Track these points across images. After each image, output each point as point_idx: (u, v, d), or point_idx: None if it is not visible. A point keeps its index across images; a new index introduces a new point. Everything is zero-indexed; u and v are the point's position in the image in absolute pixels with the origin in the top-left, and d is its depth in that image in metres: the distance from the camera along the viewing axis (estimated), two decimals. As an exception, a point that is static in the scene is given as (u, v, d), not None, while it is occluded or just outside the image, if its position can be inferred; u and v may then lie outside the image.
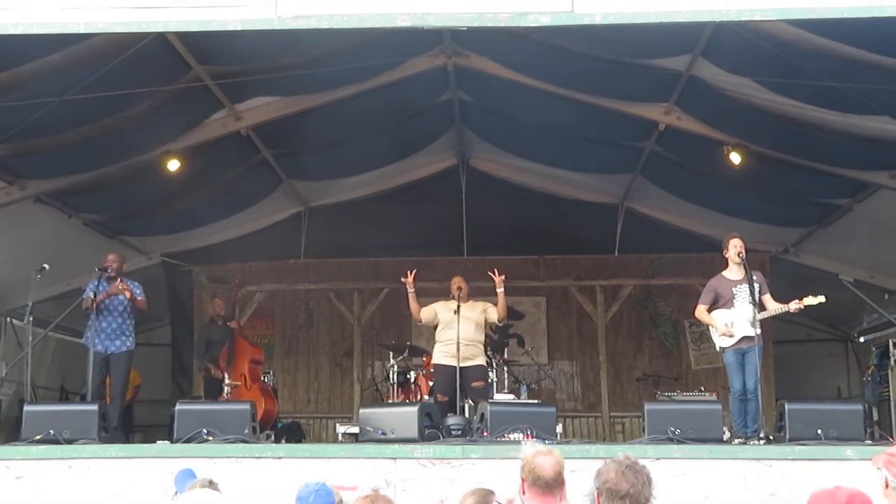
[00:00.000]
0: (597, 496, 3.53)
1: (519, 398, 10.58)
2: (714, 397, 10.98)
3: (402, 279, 9.71)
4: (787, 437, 7.23)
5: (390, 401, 10.95)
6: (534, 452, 3.93)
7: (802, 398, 8.99)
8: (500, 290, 9.62)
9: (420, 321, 10.01)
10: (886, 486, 3.80)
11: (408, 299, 9.84)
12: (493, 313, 9.76)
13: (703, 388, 12.31)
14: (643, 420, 7.54)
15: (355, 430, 9.30)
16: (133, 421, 12.41)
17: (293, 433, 12.15)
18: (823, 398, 13.06)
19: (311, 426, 13.89)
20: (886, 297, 12.35)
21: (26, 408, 7.80)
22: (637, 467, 3.56)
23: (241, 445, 7.23)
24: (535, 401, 10.68)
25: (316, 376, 14.58)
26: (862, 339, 14.86)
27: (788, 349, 14.13)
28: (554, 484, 3.85)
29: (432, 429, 7.71)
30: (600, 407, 14.09)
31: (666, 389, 12.50)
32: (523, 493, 3.90)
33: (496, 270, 9.64)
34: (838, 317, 14.51)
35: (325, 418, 14.17)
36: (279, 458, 7.13)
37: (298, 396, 14.41)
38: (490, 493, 4.76)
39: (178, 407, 7.75)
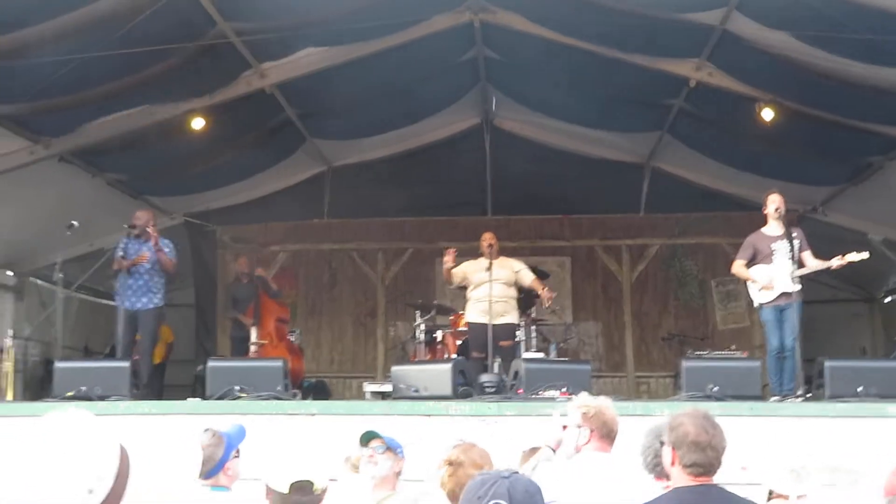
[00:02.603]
0: (672, 451, 3.38)
1: (548, 357, 10.50)
2: (745, 356, 10.86)
3: (446, 254, 9.68)
4: (827, 394, 7.12)
5: (418, 360, 10.88)
6: (604, 404, 3.88)
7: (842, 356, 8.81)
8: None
9: (451, 285, 9.93)
10: None
11: (445, 270, 9.79)
12: (525, 278, 9.72)
13: (734, 347, 12.19)
14: (680, 377, 7.44)
15: (386, 387, 9.25)
16: (163, 381, 12.36)
17: (319, 392, 12.11)
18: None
19: (335, 385, 13.83)
20: (916, 256, 12.15)
21: (57, 364, 7.74)
22: (710, 416, 3.48)
23: (274, 402, 7.18)
24: (567, 358, 10.60)
25: (339, 336, 14.55)
26: (888, 300, 14.69)
27: (812, 310, 13.88)
28: (617, 435, 3.83)
29: (465, 386, 7.64)
30: (625, 367, 14.02)
31: (692, 349, 12.36)
32: (587, 441, 3.83)
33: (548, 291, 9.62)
34: (864, 277, 14.32)
35: (348, 378, 14.13)
36: (313, 414, 7.08)
37: (322, 356, 14.37)
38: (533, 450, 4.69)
39: (209, 364, 7.71)
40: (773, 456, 6.55)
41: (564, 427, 3.93)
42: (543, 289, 9.54)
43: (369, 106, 12.16)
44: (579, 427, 3.90)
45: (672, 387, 13.01)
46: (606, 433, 3.85)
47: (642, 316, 14.27)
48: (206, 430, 4.27)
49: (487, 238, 9.65)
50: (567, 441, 3.92)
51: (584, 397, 3.97)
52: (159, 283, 9.75)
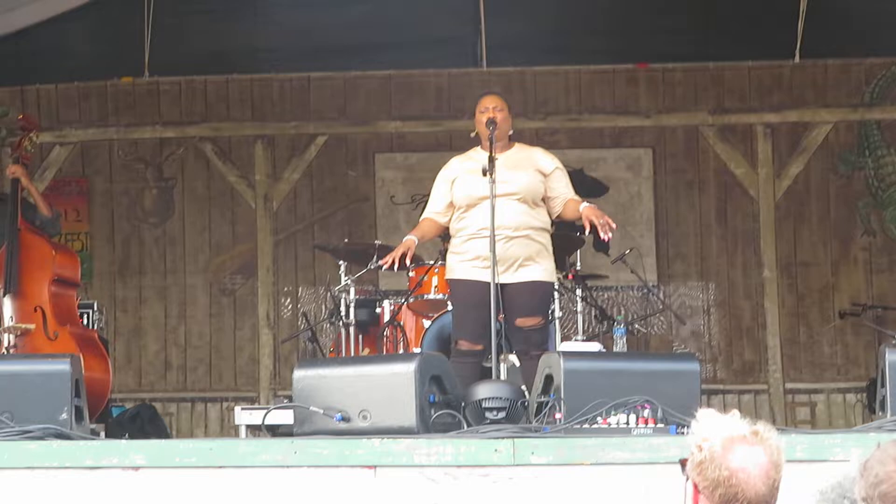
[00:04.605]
0: None
1: (615, 349, 10.58)
2: None
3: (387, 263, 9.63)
4: None
5: (347, 356, 11.01)
6: (726, 439, 3.92)
7: None
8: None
9: (446, 226, 9.85)
10: None
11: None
12: (557, 186, 9.68)
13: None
14: (884, 384, 7.51)
15: (279, 415, 9.28)
16: None
17: (143, 425, 12.15)
18: None
19: (175, 414, 14.09)
20: None
21: None
22: None
23: (57, 444, 7.20)
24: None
25: (181, 316, 14.70)
26: None
27: None
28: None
29: (446, 408, 7.68)
30: (765, 372, 14.21)
31: (898, 331, 12.48)
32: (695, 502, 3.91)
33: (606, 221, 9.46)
34: None
35: (199, 400, 14.34)
36: (136, 468, 7.11)
37: (146, 358, 14.52)
38: None
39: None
40: None
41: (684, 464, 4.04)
42: (593, 215, 9.52)
43: None
44: (687, 478, 3.98)
45: (863, 407, 13.15)
46: (726, 498, 3.91)
47: (798, 269, 14.45)
48: None
49: (490, 106, 9.60)
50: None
51: (704, 420, 4.03)
52: None
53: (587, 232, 9.62)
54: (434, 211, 9.70)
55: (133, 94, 14.76)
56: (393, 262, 9.31)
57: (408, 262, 9.42)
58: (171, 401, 14.18)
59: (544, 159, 9.73)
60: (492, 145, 9.35)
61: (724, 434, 3.95)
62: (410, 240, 9.46)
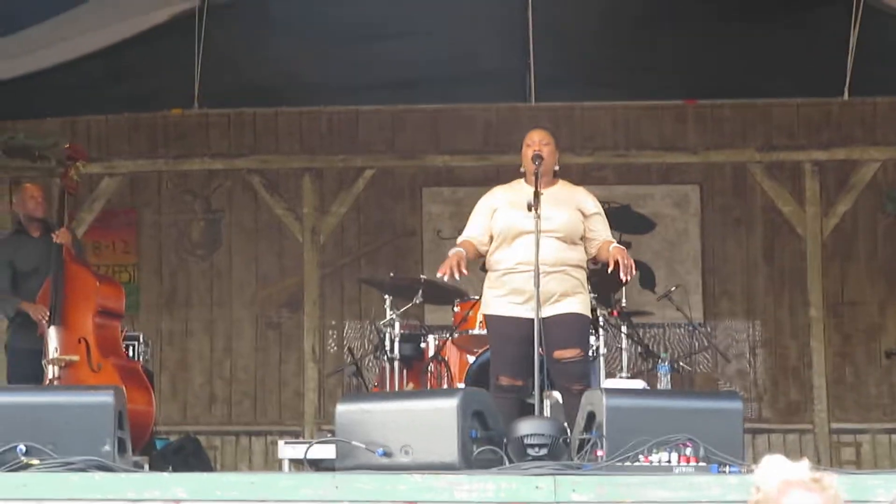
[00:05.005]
0: None
1: (659, 387, 10.56)
2: None
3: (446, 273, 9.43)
4: None
5: (391, 391, 10.99)
6: (784, 482, 3.91)
7: None
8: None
9: (484, 253, 9.77)
10: None
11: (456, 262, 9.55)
12: (597, 228, 9.63)
13: None
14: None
15: (322, 449, 9.27)
16: None
17: (187, 458, 12.15)
18: None
19: (220, 448, 14.10)
20: None
21: None
22: None
23: (99, 476, 7.21)
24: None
25: (227, 349, 14.74)
26: None
27: None
28: None
29: (487, 444, 7.66)
30: (810, 412, 14.17)
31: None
32: None
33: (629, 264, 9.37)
34: None
35: (244, 433, 14.36)
36: (178, 501, 7.11)
37: (191, 390, 14.56)
38: None
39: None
40: None
41: None
42: (619, 255, 9.43)
43: None
44: None
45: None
46: None
47: (846, 308, 14.39)
48: None
49: (536, 140, 9.57)
50: None
51: (768, 462, 4.03)
52: None
53: (610, 270, 9.56)
54: (472, 235, 9.65)
55: (182, 126, 14.84)
56: (452, 272, 9.17)
57: (465, 271, 9.26)
58: (216, 434, 14.25)
59: (587, 201, 9.71)
60: (537, 180, 9.34)
61: (782, 477, 3.94)
62: (460, 251, 9.37)
